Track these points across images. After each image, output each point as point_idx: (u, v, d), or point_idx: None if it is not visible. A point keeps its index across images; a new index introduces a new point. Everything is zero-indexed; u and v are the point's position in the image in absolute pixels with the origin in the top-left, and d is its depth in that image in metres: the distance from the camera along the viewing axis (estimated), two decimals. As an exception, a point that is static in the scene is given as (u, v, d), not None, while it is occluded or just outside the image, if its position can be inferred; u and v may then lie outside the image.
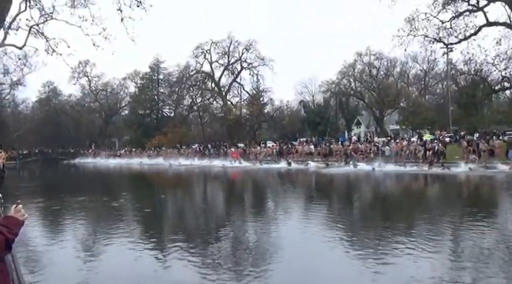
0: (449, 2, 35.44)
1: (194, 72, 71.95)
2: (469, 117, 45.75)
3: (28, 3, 23.16)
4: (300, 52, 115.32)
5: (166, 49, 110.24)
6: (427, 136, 40.53)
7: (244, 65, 70.32)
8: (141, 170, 47.45)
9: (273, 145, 51.23)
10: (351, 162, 34.14)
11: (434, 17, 36.15)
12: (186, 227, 12.92)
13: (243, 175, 35.18)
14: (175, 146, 62.19)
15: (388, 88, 62.07)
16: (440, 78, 64.63)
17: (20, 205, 2.59)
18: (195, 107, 76.58)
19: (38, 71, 66.29)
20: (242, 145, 56.25)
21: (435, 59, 52.77)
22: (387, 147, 35.40)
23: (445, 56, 46.08)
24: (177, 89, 75.61)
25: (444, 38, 37.83)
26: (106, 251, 9.28)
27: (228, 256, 8.85)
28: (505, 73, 39.15)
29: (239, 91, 73.60)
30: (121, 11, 21.50)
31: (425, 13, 36.15)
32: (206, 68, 71.46)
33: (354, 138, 51.52)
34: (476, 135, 36.09)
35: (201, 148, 57.52)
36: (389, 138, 44.32)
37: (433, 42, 38.49)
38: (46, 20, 24.54)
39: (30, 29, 24.34)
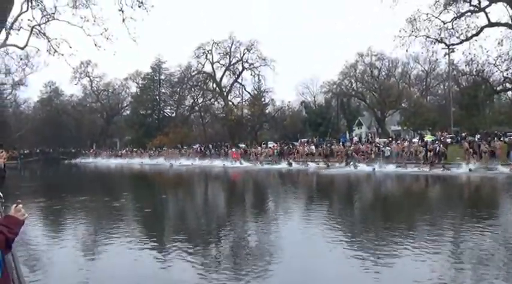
0: (451, 2, 35.41)
1: (196, 72, 72.00)
2: (471, 118, 45.67)
3: (30, 3, 23.22)
4: (301, 52, 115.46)
5: (168, 49, 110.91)
6: (428, 137, 40.49)
7: (246, 65, 70.47)
8: (142, 170, 47.51)
9: (274, 146, 51.22)
10: (351, 163, 34.12)
11: (436, 17, 36.18)
12: (186, 227, 12.93)
13: (243, 175, 35.19)
14: (177, 146, 62.22)
15: (389, 89, 62.01)
16: (442, 78, 64.52)
17: (20, 205, 2.61)
18: (196, 107, 76.63)
19: (40, 71, 66.42)
20: (243, 145, 56.26)
21: (437, 59, 52.74)
22: (388, 147, 35.33)
23: (447, 56, 46.06)
24: (178, 89, 75.67)
25: (446, 38, 37.85)
26: (106, 251, 9.29)
27: (227, 256, 8.86)
28: (507, 74, 39.11)
29: (240, 92, 73.74)
30: (122, 11, 21.51)
31: (427, 14, 36.18)
32: (208, 68, 71.65)
33: (355, 139, 51.51)
34: (478, 136, 36.03)
35: (202, 148, 57.54)
36: (390, 138, 44.28)
37: (434, 43, 38.53)
38: (48, 21, 24.58)
39: (32, 29, 24.40)
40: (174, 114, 79.83)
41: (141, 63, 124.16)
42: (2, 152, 3.36)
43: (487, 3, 34.67)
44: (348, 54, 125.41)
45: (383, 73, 66.76)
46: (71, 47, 25.34)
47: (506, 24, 34.85)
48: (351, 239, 9.95)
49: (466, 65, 43.58)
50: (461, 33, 36.46)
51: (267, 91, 70.86)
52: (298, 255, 8.72)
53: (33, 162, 68.25)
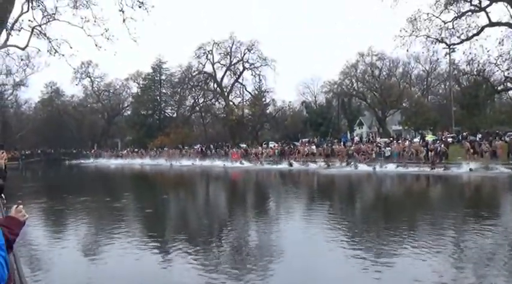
0: (452, 2, 35.33)
1: (196, 72, 71.94)
2: (472, 118, 45.58)
3: (31, 4, 23.24)
4: (302, 52, 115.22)
5: (169, 50, 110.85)
6: (429, 137, 40.45)
7: (246, 65, 70.36)
8: (142, 171, 47.49)
9: (274, 146, 51.21)
10: (352, 163, 34.10)
11: (437, 17, 36.07)
12: (187, 227, 12.95)
13: (244, 175, 35.21)
14: (178, 146, 62.21)
15: (390, 89, 61.92)
16: (443, 78, 64.46)
17: (21, 206, 2.61)
18: (197, 108, 76.57)
19: (41, 71, 66.43)
20: (244, 145, 56.24)
21: (437, 59, 52.71)
22: (388, 148, 35.24)
23: (448, 56, 46.00)
24: (179, 90, 75.57)
25: (446, 38, 37.74)
26: (107, 252, 9.31)
27: (228, 256, 8.87)
28: (508, 74, 38.97)
29: (241, 92, 73.63)
30: (123, 11, 21.50)
31: (428, 13, 36.05)
32: (208, 68, 71.52)
33: (356, 139, 51.49)
34: (479, 135, 35.98)
35: (203, 148, 57.54)
36: (391, 138, 44.25)
37: (435, 43, 38.43)
38: (48, 21, 24.59)
39: (32, 30, 24.40)
40: (175, 114, 79.77)
41: (142, 63, 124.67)
42: (2, 153, 3.37)
43: (488, 2, 34.61)
44: (349, 54, 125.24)
45: (384, 73, 66.69)
46: (71, 48, 25.34)
47: (506, 24, 34.77)
48: (351, 239, 9.96)
49: (466, 65, 43.49)
50: (462, 33, 36.40)
51: (267, 91, 70.85)
52: (299, 255, 8.73)
53: (35, 163, 68.27)
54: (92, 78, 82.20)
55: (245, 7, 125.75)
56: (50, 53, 24.86)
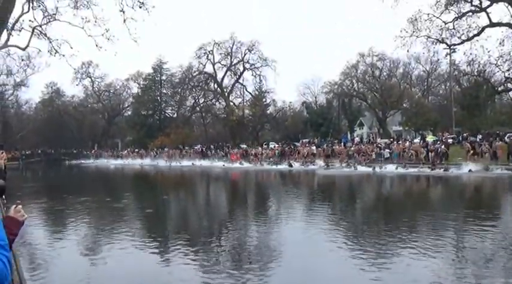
0: (452, 2, 35.31)
1: (197, 73, 71.90)
2: (472, 118, 45.58)
3: (31, 4, 23.24)
4: (302, 53, 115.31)
5: (169, 50, 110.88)
6: (430, 138, 40.43)
7: (247, 65, 70.30)
8: (142, 171, 47.44)
9: (275, 146, 51.21)
10: (351, 164, 34.07)
11: (437, 17, 36.05)
12: (187, 228, 12.95)
13: (243, 176, 35.19)
14: (178, 147, 62.20)
15: (391, 89, 61.90)
16: (443, 79, 64.46)
17: (20, 206, 2.61)
18: (197, 108, 76.56)
19: (41, 71, 66.60)
20: (245, 146, 56.22)
21: (438, 59, 52.70)
22: (387, 150, 35.05)
23: (448, 56, 46.03)
24: (179, 90, 75.54)
25: (447, 38, 37.73)
26: (108, 252, 9.30)
27: (228, 256, 8.86)
28: (509, 74, 38.93)
29: (242, 92, 73.59)
30: (123, 12, 21.48)
31: (428, 14, 36.03)
32: (209, 68, 71.47)
33: (357, 139, 51.47)
34: (479, 136, 35.95)
35: (204, 149, 57.53)
36: (392, 139, 44.22)
37: (435, 43, 38.43)
38: (49, 21, 24.60)
39: (33, 30, 24.41)
40: (175, 115, 79.73)
41: (143, 63, 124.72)
42: (2, 153, 3.36)
43: (488, 3, 34.59)
44: (349, 54, 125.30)
45: (384, 73, 66.67)
46: (72, 48, 25.35)
47: (507, 24, 34.75)
48: (351, 240, 9.95)
49: (467, 65, 43.44)
50: (463, 33, 36.37)
51: (268, 92, 70.82)
52: (299, 255, 8.72)
53: (35, 163, 68.27)
54: (93, 79, 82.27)
55: (245, 7, 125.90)
56: (51, 53, 24.87)
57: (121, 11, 21.53)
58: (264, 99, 70.41)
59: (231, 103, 71.83)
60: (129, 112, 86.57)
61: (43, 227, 12.86)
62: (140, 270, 8.01)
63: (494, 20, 34.95)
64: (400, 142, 38.84)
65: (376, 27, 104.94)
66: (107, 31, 23.29)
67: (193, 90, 74.05)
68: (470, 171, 26.59)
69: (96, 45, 23.96)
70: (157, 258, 8.71)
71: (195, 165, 47.20)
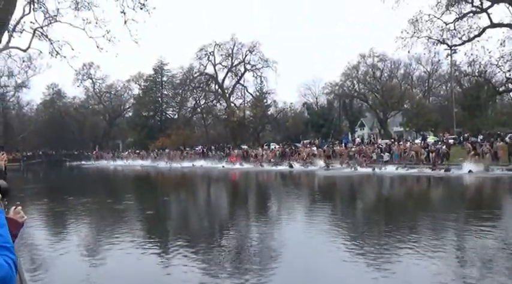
0: (453, 3, 35.27)
1: (198, 74, 71.95)
2: (473, 119, 45.55)
3: (32, 6, 23.26)
4: (303, 53, 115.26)
5: (170, 51, 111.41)
6: (431, 138, 40.40)
7: (248, 66, 70.33)
8: (143, 173, 47.42)
9: (275, 147, 51.21)
10: (352, 165, 34.04)
11: (438, 18, 36.02)
12: (188, 229, 12.95)
13: (243, 177, 35.19)
14: (179, 148, 62.23)
15: (391, 90, 61.88)
16: (444, 79, 64.43)
17: (20, 207, 2.61)
18: (198, 109, 76.61)
19: (42, 73, 66.71)
20: (246, 147, 56.23)
21: (439, 60, 52.57)
22: (387, 153, 34.73)
23: (449, 57, 45.98)
24: (180, 91, 75.59)
25: (448, 39, 37.70)
26: (109, 254, 9.32)
27: (229, 257, 8.86)
28: (509, 75, 38.91)
29: (242, 93, 73.59)
30: (124, 13, 21.51)
31: (429, 15, 36.00)
32: (210, 70, 71.53)
33: (358, 140, 51.45)
34: (480, 137, 35.92)
35: (205, 150, 57.53)
36: (392, 140, 44.20)
37: (436, 44, 38.39)
38: (50, 23, 24.61)
39: (34, 32, 24.41)
40: (176, 116, 79.79)
41: (144, 65, 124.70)
42: (3, 154, 3.37)
43: (489, 4, 34.56)
44: (349, 55, 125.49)
45: (385, 74, 66.67)
46: (73, 49, 25.35)
47: (508, 25, 34.73)
48: (351, 241, 9.94)
49: (468, 66, 43.44)
50: (464, 34, 36.34)
51: (269, 93, 70.88)
52: (299, 255, 8.73)
53: (36, 164, 68.31)
54: (94, 80, 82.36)
55: (246, 9, 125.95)
56: (52, 55, 24.88)
57: (122, 12, 21.57)
58: (264, 100, 70.48)
59: (232, 104, 71.89)
60: (130, 114, 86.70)
61: (44, 228, 12.87)
62: (140, 271, 8.01)
63: (495, 21, 34.94)
64: (401, 143, 38.81)
65: (376, 28, 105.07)
66: (107, 32, 23.31)
67: (194, 91, 74.11)
68: (470, 171, 26.51)
69: (97, 47, 23.98)
70: (157, 259, 8.71)
71: (196, 166, 47.18)
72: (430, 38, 37.14)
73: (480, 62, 39.86)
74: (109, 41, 23.39)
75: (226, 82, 72.65)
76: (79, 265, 8.38)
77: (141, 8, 21.42)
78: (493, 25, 35.12)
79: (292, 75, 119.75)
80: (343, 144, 45.19)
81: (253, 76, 70.39)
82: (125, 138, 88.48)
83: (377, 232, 11.02)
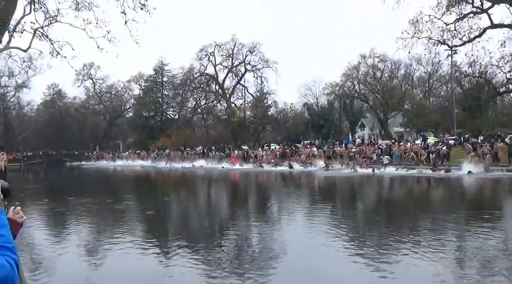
0: (453, 4, 35.24)
1: (198, 74, 71.96)
2: (474, 120, 45.53)
3: (33, 6, 23.23)
4: (303, 54, 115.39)
5: (171, 51, 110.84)
6: (431, 139, 40.38)
7: (248, 67, 70.33)
8: (143, 173, 47.42)
9: (276, 148, 51.20)
10: (351, 165, 34.01)
11: (438, 19, 35.98)
12: (188, 229, 12.95)
13: (243, 178, 35.19)
14: (179, 148, 62.22)
15: (392, 91, 61.89)
16: (445, 80, 64.44)
17: (19, 207, 2.61)
18: (199, 109, 76.63)
19: (43, 73, 66.82)
20: (246, 147, 56.24)
21: (439, 61, 52.57)
22: (386, 156, 34.56)
23: (449, 58, 45.97)
24: (181, 91, 75.59)
25: (448, 40, 37.66)
26: (109, 254, 9.33)
27: (229, 257, 8.86)
28: (510, 76, 38.90)
29: (243, 94, 73.59)
30: (125, 13, 21.44)
31: (429, 15, 35.96)
32: (210, 70, 71.56)
33: (358, 141, 51.44)
34: (481, 137, 35.90)
35: (205, 150, 57.51)
36: (393, 140, 44.18)
37: (437, 45, 38.34)
38: (51, 23, 24.57)
39: (34, 32, 24.37)
40: (176, 116, 79.81)
41: (144, 65, 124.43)
42: (3, 154, 3.36)
43: (490, 4, 34.53)
44: (350, 55, 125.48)
45: (386, 75, 66.68)
46: (73, 49, 25.30)
47: (509, 26, 34.69)
48: (351, 241, 9.94)
49: (468, 67, 43.44)
50: (464, 35, 36.29)
51: (269, 93, 70.87)
52: (300, 256, 8.73)
53: (36, 164, 68.31)
54: (94, 80, 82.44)
55: (246, 9, 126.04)
56: (52, 55, 24.84)
57: (122, 12, 21.51)
58: (265, 101, 70.52)
59: (233, 105, 71.90)
60: (131, 114, 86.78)
61: (44, 228, 12.87)
62: (140, 271, 8.01)
63: (495, 21, 34.92)
64: (402, 143, 38.78)
65: (377, 28, 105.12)
66: (108, 33, 23.25)
67: (195, 91, 74.14)
68: (469, 172, 26.47)
69: (98, 47, 23.92)
70: (157, 259, 8.71)
71: (196, 167, 47.18)
72: (430, 38, 37.13)
73: (481, 63, 39.87)
74: (109, 41, 23.33)
75: (227, 83, 72.77)
76: (79, 265, 8.38)
77: (142, 9, 21.36)
78: (493, 26, 35.10)
79: (292, 76, 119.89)
80: (343, 145, 45.16)
81: (254, 76, 70.49)
82: (126, 138, 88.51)
83: (377, 233, 11.01)
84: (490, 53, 36.83)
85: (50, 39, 24.84)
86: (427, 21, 36.25)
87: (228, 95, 71.98)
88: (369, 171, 31.46)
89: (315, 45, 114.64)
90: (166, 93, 79.79)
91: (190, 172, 42.92)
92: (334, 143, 48.29)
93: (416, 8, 40.07)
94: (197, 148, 60.72)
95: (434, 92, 69.95)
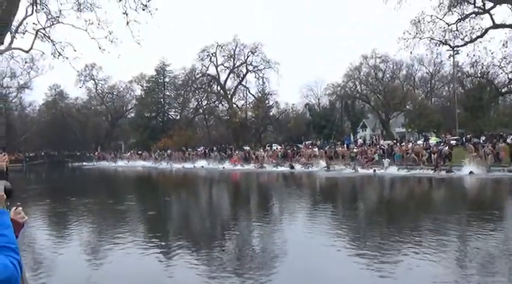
0: (455, 4, 35.18)
1: (200, 75, 72.01)
2: (476, 120, 45.49)
3: (35, 7, 23.25)
4: (305, 54, 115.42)
5: (172, 52, 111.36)
6: (433, 139, 40.33)
7: (250, 67, 70.37)
8: (144, 173, 47.44)
9: (277, 148, 51.19)
10: (352, 166, 33.98)
11: (440, 19, 35.89)
12: (189, 229, 12.96)
13: (244, 178, 35.18)
14: (181, 149, 62.25)
15: (394, 91, 61.87)
16: (447, 80, 64.38)
17: (20, 208, 2.62)
18: (200, 110, 76.65)
19: (45, 74, 66.66)
20: (248, 148, 56.24)
21: (441, 61, 52.51)
22: (387, 159, 34.27)
23: (451, 58, 45.79)
24: (183, 92, 75.62)
25: (450, 40, 37.55)
26: (110, 253, 9.33)
27: (230, 257, 8.86)
28: (512, 76, 38.88)
29: (245, 94, 73.63)
30: (126, 14, 21.41)
31: (431, 15, 35.90)
32: (212, 70, 71.63)
33: (360, 141, 51.41)
34: (483, 138, 35.85)
35: (207, 151, 57.52)
36: (395, 141, 44.13)
37: (439, 45, 38.24)
38: (52, 24, 24.60)
39: (36, 33, 24.41)
40: (178, 117, 79.87)
41: (146, 66, 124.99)
42: (4, 155, 3.36)
43: (492, 4, 34.46)
44: (352, 56, 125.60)
45: (387, 75, 66.67)
46: (75, 50, 25.30)
47: (511, 26, 34.58)
48: (352, 242, 9.94)
49: (470, 67, 43.28)
50: (466, 35, 36.20)
51: (271, 94, 70.89)
52: (301, 256, 8.73)
53: (38, 165, 68.39)
54: (96, 81, 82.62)
55: (248, 10, 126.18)
56: (54, 56, 24.86)
57: (124, 13, 21.49)
58: (266, 101, 70.53)
59: (234, 105, 71.94)
60: (133, 115, 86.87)
61: (46, 228, 12.90)
62: (141, 271, 8.02)
63: (497, 22, 34.85)
64: (403, 144, 38.73)
65: (379, 29, 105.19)
66: (110, 33, 23.24)
67: (196, 92, 74.19)
68: (471, 172, 26.44)
69: (100, 48, 23.91)
70: (158, 259, 8.72)
71: (197, 167, 47.19)
72: (432, 39, 37.06)
73: (482, 63, 39.72)
74: (111, 42, 23.33)
75: (228, 84, 72.82)
76: (80, 264, 8.39)
77: (144, 9, 21.34)
78: (495, 26, 35.03)
79: (294, 76, 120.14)
80: (345, 145, 45.14)
81: (255, 77, 70.54)
82: (127, 139, 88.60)
83: (377, 233, 11.01)
84: (492, 53, 36.77)
85: (51, 40, 24.87)
86: (428, 22, 36.21)
87: (229, 96, 72.03)
88: (370, 171, 31.42)
89: (317, 45, 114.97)
90: (168, 93, 79.93)
91: (191, 172, 42.94)
92: (336, 144, 48.24)
93: (418, 9, 40.16)
94: (199, 149, 60.74)
95: (436, 92, 69.89)
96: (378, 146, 40.46)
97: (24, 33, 23.90)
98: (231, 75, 71.98)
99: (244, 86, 72.70)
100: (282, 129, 72.85)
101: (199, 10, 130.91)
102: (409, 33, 36.62)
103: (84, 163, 67.65)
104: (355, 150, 39.23)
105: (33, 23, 24.08)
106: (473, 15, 35.33)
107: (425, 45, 37.52)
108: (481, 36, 35.70)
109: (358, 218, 14.40)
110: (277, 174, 35.80)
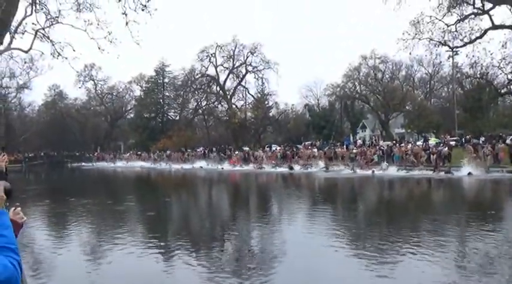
0: (455, 5, 35.17)
1: (199, 75, 72.03)
2: (475, 121, 45.51)
3: (34, 7, 23.25)
4: (304, 55, 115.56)
5: (172, 53, 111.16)
6: (432, 140, 40.34)
7: (249, 68, 70.42)
8: (143, 174, 47.41)
9: (277, 149, 51.17)
10: (351, 166, 33.95)
11: (440, 20, 35.88)
12: (189, 230, 12.97)
13: (243, 179, 35.17)
14: (180, 149, 62.21)
15: (393, 92, 61.92)
16: (446, 81, 64.48)
17: (19, 208, 2.62)
18: (200, 110, 76.67)
19: (44, 74, 66.57)
20: (247, 148, 56.22)
21: (440, 62, 52.43)
22: (385, 163, 33.84)
23: (451, 59, 45.93)
24: (182, 92, 75.63)
25: (449, 41, 37.57)
26: (109, 254, 9.33)
27: (230, 258, 8.87)
28: (511, 77, 38.92)
29: (244, 95, 73.69)
30: (126, 14, 21.41)
31: (430, 16, 35.89)
32: (211, 71, 71.66)
33: (359, 142, 51.43)
34: (482, 138, 35.86)
35: (206, 151, 57.51)
36: (394, 141, 44.15)
37: (438, 46, 38.24)
38: (52, 24, 24.57)
39: (36, 33, 24.38)
40: (177, 117, 79.86)
41: (145, 66, 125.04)
42: (3, 155, 3.37)
43: (491, 5, 34.46)
44: (351, 56, 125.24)
45: (387, 76, 66.73)
46: (74, 51, 25.27)
47: (510, 27, 34.62)
48: (351, 242, 9.95)
49: (470, 68, 43.39)
50: (465, 36, 36.20)
51: (270, 94, 70.93)
52: (301, 256, 8.74)
53: (38, 165, 68.32)
54: (95, 81, 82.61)
55: (248, 10, 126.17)
56: (53, 56, 24.83)
57: (123, 13, 21.50)
58: (266, 102, 70.55)
59: (234, 106, 71.97)
60: (132, 115, 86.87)
61: (45, 229, 12.89)
62: (141, 272, 8.02)
63: (496, 23, 34.87)
64: (403, 144, 38.73)
65: (378, 29, 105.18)
66: (109, 34, 23.22)
67: (196, 92, 74.20)
68: (470, 173, 26.42)
69: (99, 48, 23.89)
70: (158, 260, 8.72)
71: (196, 168, 47.17)
72: (431, 39, 37.07)
73: (482, 64, 39.81)
74: (110, 42, 23.31)
75: (228, 84, 72.87)
76: (80, 265, 8.39)
77: (143, 10, 21.35)
78: (494, 27, 35.05)
79: (293, 77, 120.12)
80: (344, 146, 45.13)
81: (255, 77, 70.60)
82: (127, 139, 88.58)
83: (377, 234, 11.02)
84: (491, 54, 36.86)
85: (51, 40, 24.84)
86: (428, 22, 36.21)
87: (229, 96, 72.06)
88: (369, 172, 31.40)
89: (316, 46, 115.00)
90: (167, 94, 79.91)
91: (190, 173, 42.92)
92: (335, 144, 48.25)
93: (417, 9, 40.18)
94: (198, 150, 60.72)
95: (436, 93, 69.98)
96: (377, 147, 40.45)
97: (23, 34, 23.87)
98: (231, 76, 72.09)
99: (244, 87, 72.83)
100: (282, 130, 72.88)
101: (198, 10, 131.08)
102: (409, 34, 36.65)
103: (83, 164, 67.59)
104: (354, 151, 39.20)
105: (33, 23, 24.05)
106: (473, 16, 35.35)
107: (424, 45, 37.56)
108: (480, 37, 35.73)
109: (357, 219, 14.40)
110: (276, 175, 35.80)
